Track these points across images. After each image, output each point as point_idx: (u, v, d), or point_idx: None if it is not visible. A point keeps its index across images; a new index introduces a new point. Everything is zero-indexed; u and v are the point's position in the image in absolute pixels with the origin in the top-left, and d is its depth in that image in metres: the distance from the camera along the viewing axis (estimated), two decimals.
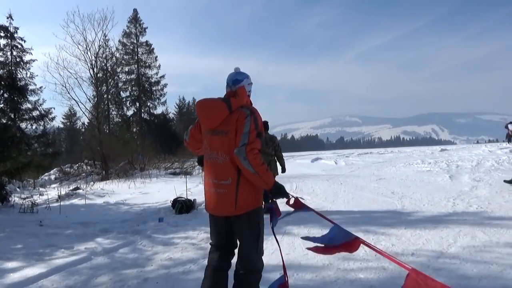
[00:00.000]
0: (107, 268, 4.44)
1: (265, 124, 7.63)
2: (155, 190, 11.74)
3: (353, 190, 9.43)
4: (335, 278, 3.58)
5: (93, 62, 20.48)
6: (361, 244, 2.03)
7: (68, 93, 19.68)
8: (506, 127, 32.62)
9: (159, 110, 43.41)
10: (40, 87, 19.44)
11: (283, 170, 7.36)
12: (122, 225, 6.89)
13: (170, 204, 8.20)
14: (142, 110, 41.90)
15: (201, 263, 4.28)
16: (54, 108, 17.25)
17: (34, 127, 14.00)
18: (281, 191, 2.58)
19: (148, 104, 42.37)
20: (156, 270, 4.27)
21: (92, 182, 15.27)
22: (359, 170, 15.18)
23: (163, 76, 42.98)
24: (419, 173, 12.12)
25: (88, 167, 21.01)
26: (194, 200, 8.10)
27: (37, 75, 20.61)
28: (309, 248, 1.85)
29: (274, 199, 2.73)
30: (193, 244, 5.29)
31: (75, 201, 10.28)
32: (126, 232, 6.26)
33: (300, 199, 2.78)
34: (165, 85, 42.97)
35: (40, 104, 17.57)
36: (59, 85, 19.60)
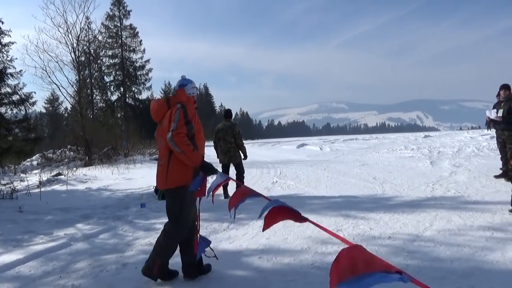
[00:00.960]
0: (86, 254, 4.41)
1: (228, 112, 7.77)
2: (139, 176, 11.66)
3: (336, 175, 9.53)
4: (312, 261, 3.63)
5: (75, 45, 19.93)
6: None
7: (49, 77, 19.12)
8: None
9: (144, 95, 42.78)
10: (20, 71, 18.77)
11: (245, 157, 7.58)
12: (104, 210, 6.83)
13: (153, 189, 8.16)
14: (127, 95, 41.27)
15: None
16: (35, 93, 16.74)
17: (14, 112, 13.65)
18: (209, 168, 3.08)
19: (133, 89, 41.73)
20: (136, 255, 4.26)
21: (74, 168, 15.06)
22: (344, 156, 15.34)
23: (148, 61, 42.26)
24: (402, 159, 12.31)
25: (71, 153, 20.68)
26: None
27: (16, 58, 19.96)
28: (264, 228, 1.86)
29: (204, 175, 3.16)
30: None
31: (57, 187, 10.14)
32: (107, 218, 6.22)
33: (233, 180, 3.30)
34: (150, 70, 42.30)
35: (20, 88, 17.06)
36: (39, 68, 19.00)
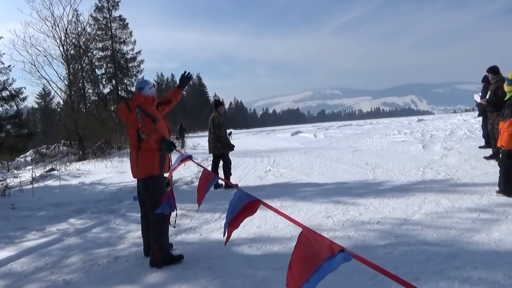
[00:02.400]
0: (78, 248, 4.43)
1: (216, 102, 7.79)
2: None
3: (328, 162, 9.58)
4: None
5: (63, 38, 19.64)
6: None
7: (38, 71, 18.90)
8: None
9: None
10: (8, 66, 18.58)
11: (230, 148, 7.58)
12: (96, 205, 6.84)
13: None
14: (119, 88, 40.94)
15: (172, 240, 4.31)
16: (25, 88, 16.59)
17: (5, 108, 13.51)
18: (168, 146, 3.36)
19: (125, 81, 41.38)
20: (128, 248, 4.29)
21: (68, 163, 15.00)
22: (337, 143, 15.40)
23: (139, 52, 41.82)
24: (394, 144, 12.38)
25: (65, 148, 20.58)
26: (170, 177, 8.08)
27: (4, 54, 19.69)
28: (226, 241, 1.93)
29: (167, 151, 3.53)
30: None
31: (50, 182, 10.11)
32: (100, 212, 6.23)
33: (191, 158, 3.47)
34: (141, 61, 41.90)
35: (10, 84, 16.90)
36: (27, 63, 18.76)
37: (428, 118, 30.79)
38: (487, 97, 6.98)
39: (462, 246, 3.31)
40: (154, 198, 3.60)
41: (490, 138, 7.41)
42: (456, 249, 3.24)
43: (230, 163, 7.67)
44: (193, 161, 3.51)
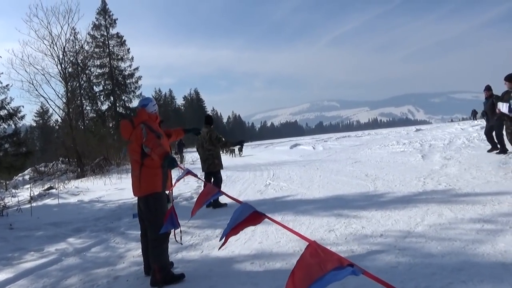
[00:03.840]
0: (77, 269, 4.36)
1: (207, 118, 7.61)
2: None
3: (328, 174, 9.54)
4: None
5: (61, 56, 19.78)
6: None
7: (36, 90, 18.97)
8: (473, 112, 34.90)
9: (134, 103, 42.60)
10: (7, 85, 18.67)
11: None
12: (96, 223, 6.77)
13: None
14: (117, 104, 41.01)
15: (172, 258, 4.25)
16: (23, 106, 16.61)
17: (3, 127, 13.49)
18: (171, 163, 3.30)
19: (123, 97, 41.48)
20: (128, 267, 4.22)
21: (66, 181, 14.92)
22: (336, 154, 15.38)
23: (137, 68, 42.06)
24: (393, 154, 12.37)
25: (63, 165, 20.50)
26: (170, 193, 8.01)
27: (2, 73, 19.74)
28: (221, 246, 1.92)
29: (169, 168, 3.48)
30: None
31: (48, 201, 10.03)
32: (99, 230, 6.16)
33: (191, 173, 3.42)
34: (139, 78, 42.11)
35: (8, 103, 16.93)
36: (26, 82, 18.86)
37: (426, 128, 30.85)
38: (507, 107, 6.91)
39: (468, 258, 3.26)
40: (154, 216, 3.56)
41: (497, 142, 7.39)
42: (462, 262, 3.18)
43: (221, 181, 7.58)
44: (197, 177, 3.43)
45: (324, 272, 1.17)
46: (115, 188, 11.26)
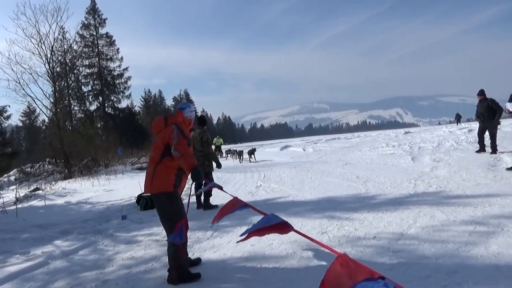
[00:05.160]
0: (64, 272, 4.24)
1: (201, 118, 7.43)
2: (120, 187, 11.41)
3: (319, 176, 9.52)
4: (298, 266, 3.57)
5: (48, 56, 19.44)
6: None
7: (23, 89, 18.61)
8: (456, 116, 35.84)
9: (123, 103, 42.24)
10: None
11: (217, 166, 7.34)
12: (83, 225, 6.63)
13: (135, 200, 7.98)
14: (106, 105, 40.62)
15: (164, 260, 4.16)
16: (9, 106, 16.35)
17: None
18: (197, 177, 3.39)
19: (112, 98, 41.13)
20: (117, 270, 4.12)
21: (53, 182, 14.66)
22: (326, 156, 15.40)
23: (126, 69, 41.77)
24: (383, 156, 12.42)
25: (50, 166, 20.16)
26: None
27: None
28: (240, 240, 1.91)
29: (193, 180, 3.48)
30: (157, 241, 5.15)
31: (34, 202, 9.82)
32: (87, 233, 6.03)
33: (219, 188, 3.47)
34: (129, 78, 41.82)
35: None
36: (12, 81, 18.47)
37: (415, 131, 31.17)
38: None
39: (462, 260, 3.25)
40: (169, 215, 3.55)
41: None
42: (456, 264, 3.17)
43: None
44: (224, 191, 3.42)
45: (354, 282, 1.16)
46: (104, 190, 11.09)
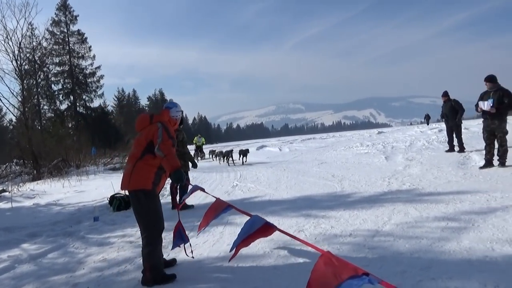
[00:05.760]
0: (32, 276, 4.06)
1: None
2: (92, 188, 11.09)
3: (295, 175, 9.56)
4: (275, 265, 3.54)
5: (16, 52, 18.71)
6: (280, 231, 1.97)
7: None
8: (426, 116, 37.31)
9: (96, 103, 41.24)
10: None
11: (193, 166, 7.25)
12: (53, 227, 6.38)
13: (107, 201, 7.76)
14: (77, 104, 39.55)
15: (138, 262, 4.05)
16: None
17: None
18: (179, 179, 3.30)
19: (84, 97, 40.09)
20: (88, 273, 3.97)
21: (21, 183, 14.09)
22: (302, 156, 15.50)
23: (98, 67, 40.82)
24: (358, 156, 12.61)
25: (18, 167, 19.39)
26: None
27: None
28: (231, 258, 1.89)
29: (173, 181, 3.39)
30: (130, 242, 5.01)
31: (0, 205, 9.39)
32: (57, 235, 5.80)
33: (201, 189, 3.65)
34: (101, 77, 40.87)
35: None
36: None
37: (387, 131, 31.87)
38: (490, 105, 7.19)
39: (435, 255, 3.30)
40: (146, 214, 3.44)
41: (486, 144, 7.59)
42: (430, 259, 3.22)
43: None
44: (205, 192, 3.57)
45: (339, 281, 1.15)
46: (75, 191, 10.75)
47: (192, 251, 4.01)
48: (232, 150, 16.01)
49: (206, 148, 27.26)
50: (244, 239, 1.83)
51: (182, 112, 4.02)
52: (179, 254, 4.25)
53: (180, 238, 3.33)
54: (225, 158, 15.73)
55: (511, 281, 2.67)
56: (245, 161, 15.03)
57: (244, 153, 15.11)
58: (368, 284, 1.13)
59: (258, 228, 1.81)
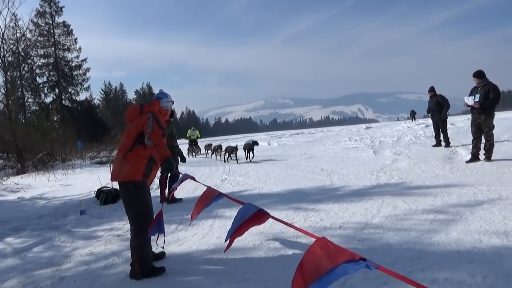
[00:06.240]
0: (17, 271, 3.96)
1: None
2: (79, 182, 10.92)
3: (284, 169, 9.55)
4: (265, 257, 3.53)
5: None
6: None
7: None
8: (411, 112, 37.63)
9: (82, 96, 40.58)
10: None
11: (182, 160, 7.19)
12: (38, 221, 6.26)
13: (94, 195, 7.64)
14: (63, 97, 38.86)
15: (126, 255, 3.99)
16: None
17: None
18: (169, 168, 3.28)
19: (69, 90, 39.40)
20: (75, 267, 3.89)
21: (5, 177, 13.80)
22: (291, 150, 15.51)
23: (85, 60, 40.12)
24: (347, 150, 12.67)
25: (1, 161, 18.99)
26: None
27: None
28: (226, 249, 1.86)
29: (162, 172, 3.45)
30: (118, 236, 4.94)
31: None
32: (42, 229, 5.69)
33: (192, 179, 3.52)
34: (87, 69, 40.20)
35: None
36: None
37: (375, 126, 32.13)
38: (476, 100, 7.28)
39: (424, 247, 3.33)
40: (136, 205, 3.40)
41: (473, 138, 7.66)
42: (419, 251, 3.25)
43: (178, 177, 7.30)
44: (196, 181, 3.57)
45: (335, 264, 1.12)
46: (60, 184, 10.57)
47: (164, 241, 3.86)
48: (236, 146, 13.31)
49: (200, 142, 23.26)
50: (237, 228, 1.79)
51: (172, 102, 3.93)
52: (168, 247, 4.20)
53: (158, 228, 3.28)
54: (228, 154, 13.00)
55: (499, 272, 2.70)
56: (252, 158, 12.43)
57: (250, 147, 12.27)
58: (365, 269, 1.11)
59: (251, 216, 1.77)
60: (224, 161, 13.04)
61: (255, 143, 12.53)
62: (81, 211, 6.48)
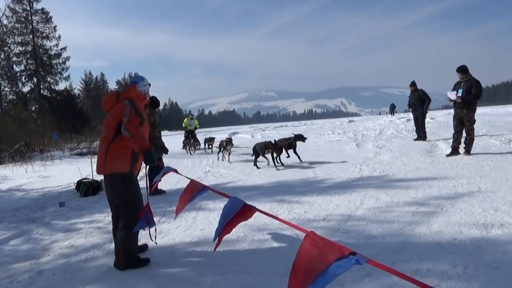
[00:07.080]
0: None
1: (153, 99, 6.85)
2: (58, 173, 10.67)
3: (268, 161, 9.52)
4: (249, 250, 3.51)
5: None
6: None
7: None
8: (391, 106, 38.18)
9: (61, 85, 39.59)
10: None
11: (164, 151, 6.91)
12: (15, 213, 6.08)
13: (74, 186, 7.47)
14: (41, 86, 37.82)
15: (107, 248, 3.92)
16: None
17: None
18: (150, 159, 3.19)
19: (48, 79, 38.35)
20: (54, 260, 3.80)
21: None
22: None
23: (64, 48, 39.05)
24: (330, 143, 12.75)
25: None
26: (101, 180, 7.44)
27: None
28: (216, 246, 1.83)
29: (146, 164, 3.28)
30: (99, 228, 4.84)
31: None
32: (19, 221, 5.52)
33: (174, 171, 3.45)
34: (67, 58, 39.16)
35: None
36: None
37: (358, 119, 32.44)
38: (458, 94, 7.38)
39: (407, 239, 3.37)
40: (125, 196, 3.34)
41: (454, 132, 7.76)
42: (402, 242, 3.29)
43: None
44: (179, 173, 3.51)
45: (326, 264, 1.09)
46: (39, 176, 10.29)
47: (156, 237, 3.91)
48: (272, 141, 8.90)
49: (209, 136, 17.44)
50: (225, 226, 1.76)
51: (149, 85, 3.75)
52: (149, 240, 4.14)
53: (146, 221, 3.23)
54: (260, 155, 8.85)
55: (479, 262, 2.75)
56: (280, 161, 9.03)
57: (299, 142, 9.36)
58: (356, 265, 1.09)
59: (237, 212, 1.74)
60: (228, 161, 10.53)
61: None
62: (61, 203, 6.32)
